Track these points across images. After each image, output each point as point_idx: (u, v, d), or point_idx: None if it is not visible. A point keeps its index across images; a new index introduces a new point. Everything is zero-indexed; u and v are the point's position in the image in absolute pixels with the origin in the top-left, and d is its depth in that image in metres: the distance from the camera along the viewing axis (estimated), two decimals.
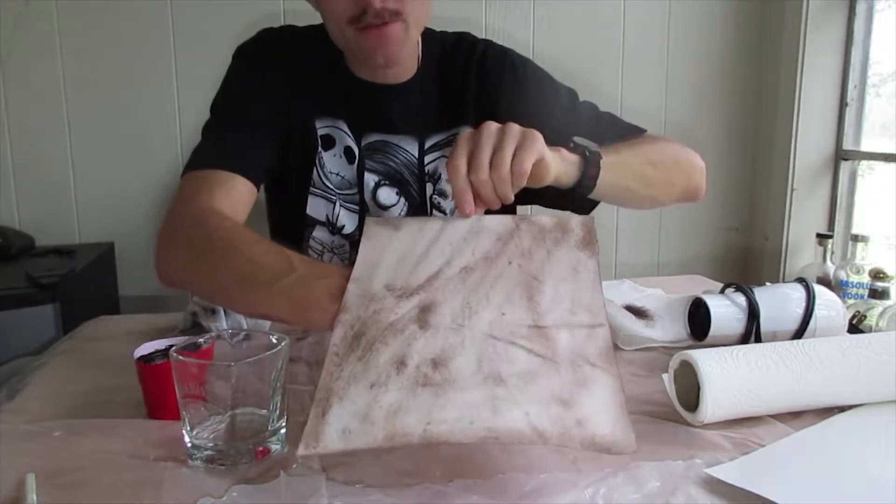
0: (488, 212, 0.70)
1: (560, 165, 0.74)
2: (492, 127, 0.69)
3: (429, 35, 0.99)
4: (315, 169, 0.98)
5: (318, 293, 0.63)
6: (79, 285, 1.48)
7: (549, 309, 0.61)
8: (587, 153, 0.78)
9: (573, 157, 0.77)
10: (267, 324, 0.89)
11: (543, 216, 0.70)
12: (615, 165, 0.81)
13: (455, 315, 0.60)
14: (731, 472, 0.53)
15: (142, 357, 0.65)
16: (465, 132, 0.70)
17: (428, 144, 1.01)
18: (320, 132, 0.98)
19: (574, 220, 0.69)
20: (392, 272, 0.64)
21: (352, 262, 0.67)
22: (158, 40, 1.76)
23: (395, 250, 0.67)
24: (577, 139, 0.80)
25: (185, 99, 1.78)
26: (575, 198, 0.81)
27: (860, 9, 1.91)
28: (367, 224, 0.71)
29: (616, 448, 0.50)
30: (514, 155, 0.67)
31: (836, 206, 2.01)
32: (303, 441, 0.50)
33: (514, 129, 0.69)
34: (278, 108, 0.94)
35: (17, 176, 1.74)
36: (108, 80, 1.75)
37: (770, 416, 0.64)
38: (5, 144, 1.72)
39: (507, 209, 1.11)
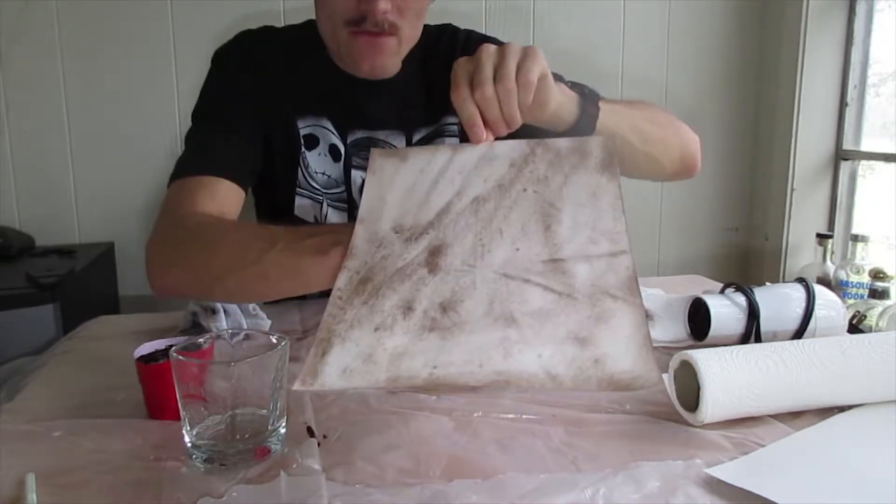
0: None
1: (560, 96, 0.71)
2: (490, 47, 0.65)
3: None
4: (300, 170, 0.98)
5: (308, 252, 0.61)
6: (79, 285, 1.48)
7: (568, 239, 0.57)
8: (586, 91, 0.76)
9: (572, 94, 0.75)
10: (267, 323, 0.89)
11: (560, 139, 0.64)
12: (613, 112, 0.78)
13: (466, 256, 0.56)
14: (731, 472, 0.53)
15: (142, 357, 0.65)
16: (461, 59, 0.66)
17: (416, 138, 1.01)
18: (303, 132, 0.97)
19: (593, 141, 0.63)
20: (400, 207, 0.61)
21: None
22: (158, 40, 1.76)
23: (402, 183, 0.63)
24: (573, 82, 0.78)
25: (184, 98, 1.78)
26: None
27: (860, 9, 1.91)
28: (373, 156, 0.66)
29: (637, 383, 0.47)
30: (518, 68, 0.63)
31: (836, 206, 2.01)
32: (299, 378, 0.49)
33: (513, 45, 0.66)
34: (258, 111, 0.93)
35: (17, 176, 1.74)
36: (108, 79, 1.75)
37: (770, 416, 0.64)
38: (5, 144, 1.72)
39: None
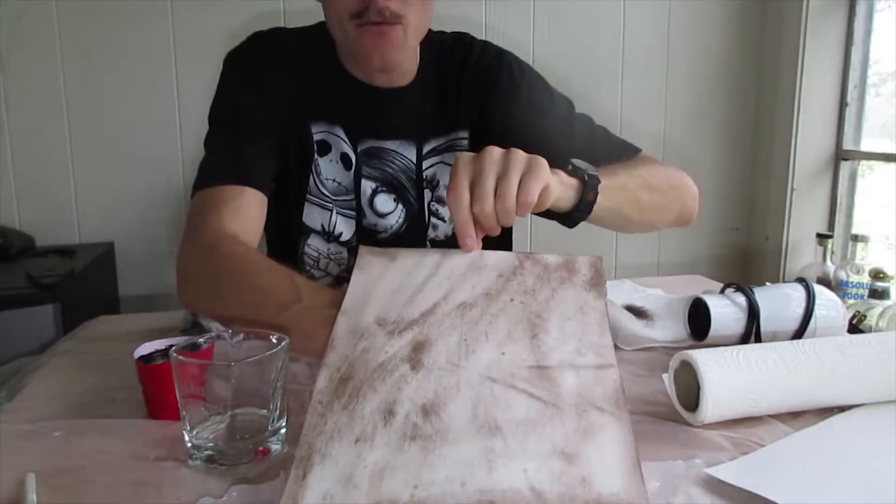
0: (486, 241, 0.68)
1: (559, 189, 0.72)
2: (495, 153, 0.66)
3: (426, 37, 0.97)
4: (311, 176, 0.97)
5: (324, 323, 0.61)
6: (79, 285, 1.48)
7: (554, 347, 0.57)
8: (586, 177, 0.76)
9: (572, 181, 0.76)
10: None
11: (549, 255, 0.66)
12: (612, 189, 0.80)
13: (450, 354, 0.56)
14: (731, 472, 0.53)
15: (142, 357, 0.65)
16: (464, 156, 0.67)
17: (426, 150, 1.00)
18: (316, 137, 0.96)
19: (581, 260, 0.66)
20: (385, 304, 0.61)
21: (349, 273, 0.65)
22: (158, 40, 1.76)
23: (389, 282, 0.63)
24: (576, 161, 0.79)
25: (185, 99, 1.78)
26: (567, 220, 0.80)
27: (860, 9, 1.91)
28: (361, 253, 0.67)
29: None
30: (520, 184, 0.65)
31: (836, 206, 2.01)
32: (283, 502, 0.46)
33: (519, 155, 0.66)
34: (275, 114, 0.92)
35: (17, 176, 1.74)
36: (108, 80, 1.75)
37: (770, 416, 0.64)
38: (5, 144, 1.72)
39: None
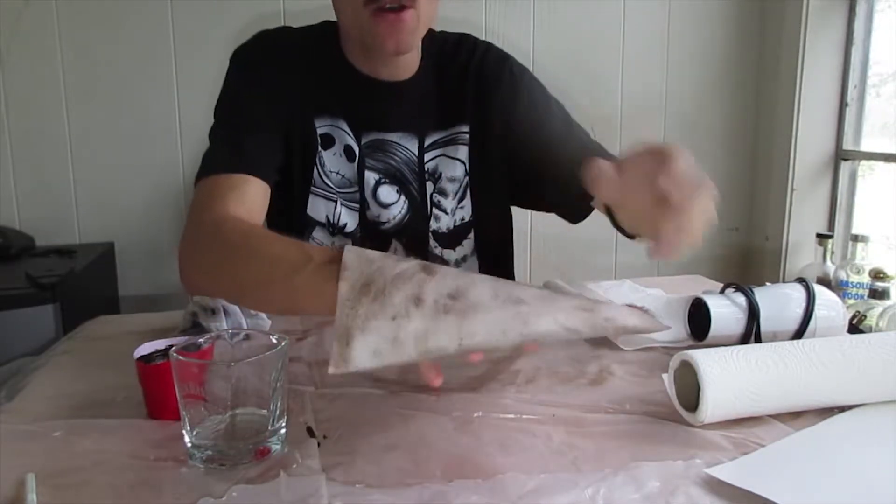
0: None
1: None
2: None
3: (429, 34, 0.99)
4: (316, 168, 0.98)
5: (336, 277, 0.59)
6: (79, 285, 1.49)
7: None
8: None
9: None
10: (267, 324, 0.89)
11: None
12: None
13: (456, 274, 0.60)
14: (731, 472, 0.53)
15: (142, 357, 0.65)
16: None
17: (428, 142, 1.02)
18: (320, 131, 0.98)
19: None
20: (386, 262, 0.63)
21: None
22: (158, 40, 1.76)
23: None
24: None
25: (185, 98, 1.79)
26: (573, 216, 0.80)
27: (860, 9, 1.91)
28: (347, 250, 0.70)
29: (648, 330, 0.57)
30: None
31: (836, 206, 2.01)
32: (332, 363, 0.51)
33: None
34: (279, 109, 0.94)
35: (17, 176, 1.74)
36: (108, 80, 1.75)
37: (770, 416, 0.64)
38: (5, 144, 1.72)
39: (503, 215, 1.10)
